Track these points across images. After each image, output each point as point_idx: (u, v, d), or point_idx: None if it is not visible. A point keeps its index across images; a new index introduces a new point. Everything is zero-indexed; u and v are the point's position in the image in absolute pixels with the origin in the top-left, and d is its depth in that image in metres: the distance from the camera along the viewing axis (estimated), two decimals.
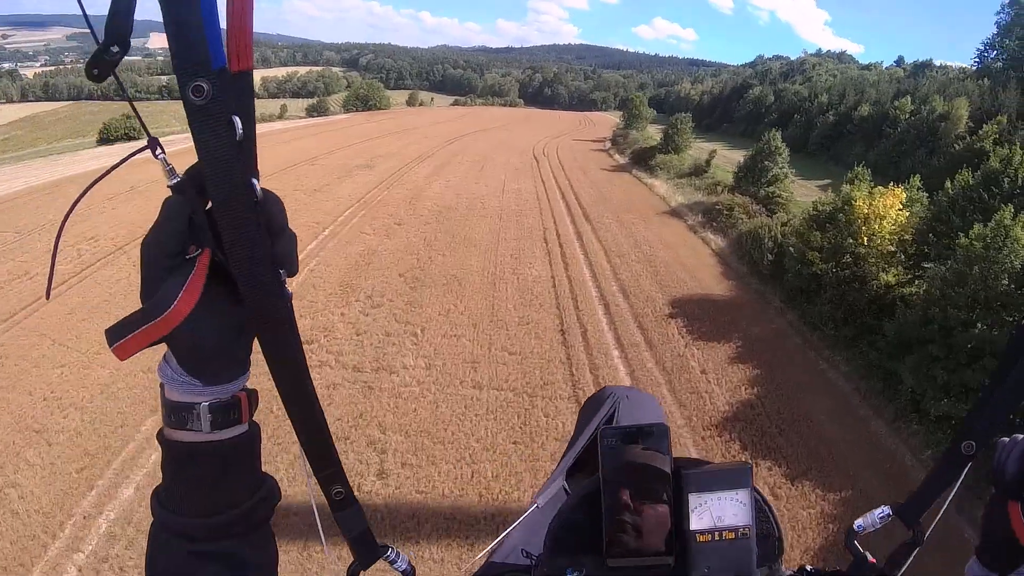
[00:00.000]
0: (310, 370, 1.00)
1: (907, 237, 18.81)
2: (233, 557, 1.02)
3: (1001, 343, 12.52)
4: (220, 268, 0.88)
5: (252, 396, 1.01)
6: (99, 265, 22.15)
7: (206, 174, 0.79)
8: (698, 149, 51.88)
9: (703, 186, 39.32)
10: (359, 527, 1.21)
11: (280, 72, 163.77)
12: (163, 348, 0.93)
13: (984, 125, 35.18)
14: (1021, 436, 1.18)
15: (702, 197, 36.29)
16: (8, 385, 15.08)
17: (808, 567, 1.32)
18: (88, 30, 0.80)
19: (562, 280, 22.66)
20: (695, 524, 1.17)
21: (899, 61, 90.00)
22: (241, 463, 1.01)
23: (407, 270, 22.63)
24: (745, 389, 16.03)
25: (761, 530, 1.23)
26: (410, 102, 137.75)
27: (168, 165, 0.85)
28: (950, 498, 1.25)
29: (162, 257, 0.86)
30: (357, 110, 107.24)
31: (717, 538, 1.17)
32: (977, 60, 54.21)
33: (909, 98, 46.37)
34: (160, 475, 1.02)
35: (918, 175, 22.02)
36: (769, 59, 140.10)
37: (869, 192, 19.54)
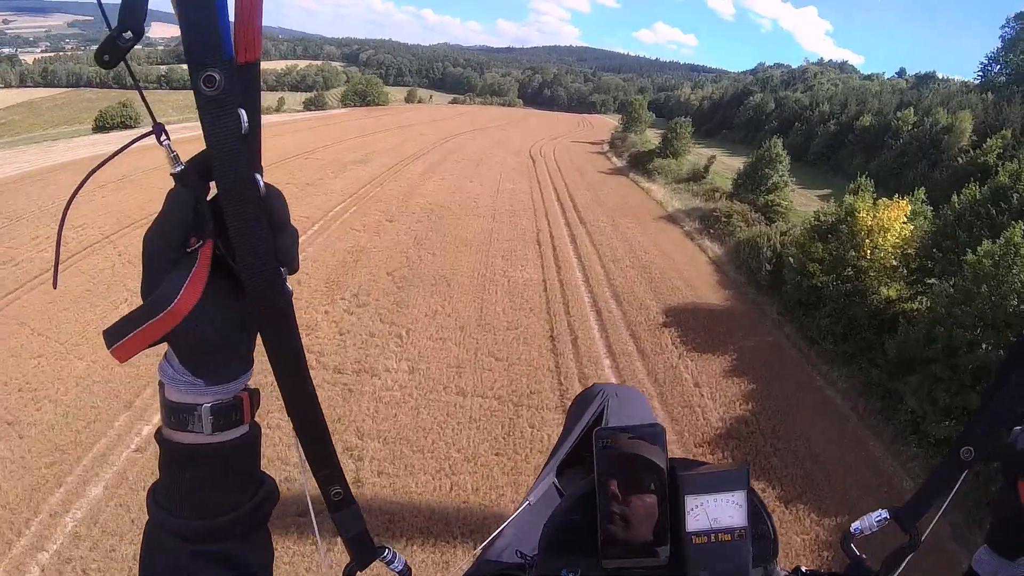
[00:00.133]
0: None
1: (910, 251, 18.25)
2: (234, 558, 1.00)
3: None
4: (220, 261, 0.86)
5: (254, 396, 0.98)
6: (85, 254, 21.47)
7: (214, 165, 0.78)
8: (697, 154, 51.52)
9: (701, 192, 39.03)
10: (357, 528, 1.18)
11: (280, 65, 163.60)
12: (159, 348, 0.90)
13: (988, 139, 34.72)
14: None
15: (700, 203, 35.89)
16: None
17: (803, 568, 1.35)
18: (101, 16, 0.80)
19: (554, 284, 22.03)
20: (691, 526, 1.16)
21: (901, 72, 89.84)
22: (242, 464, 0.99)
23: (395, 268, 21.98)
24: (740, 404, 15.45)
25: (756, 531, 1.21)
26: (409, 99, 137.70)
27: (172, 152, 0.82)
28: (945, 504, 1.26)
29: (166, 249, 0.84)
30: (355, 105, 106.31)
31: (713, 540, 1.15)
32: (980, 74, 53.99)
33: (912, 109, 46.00)
34: (154, 476, 1.00)
35: (922, 188, 21.42)
36: (770, 67, 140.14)
37: (873, 203, 18.97)
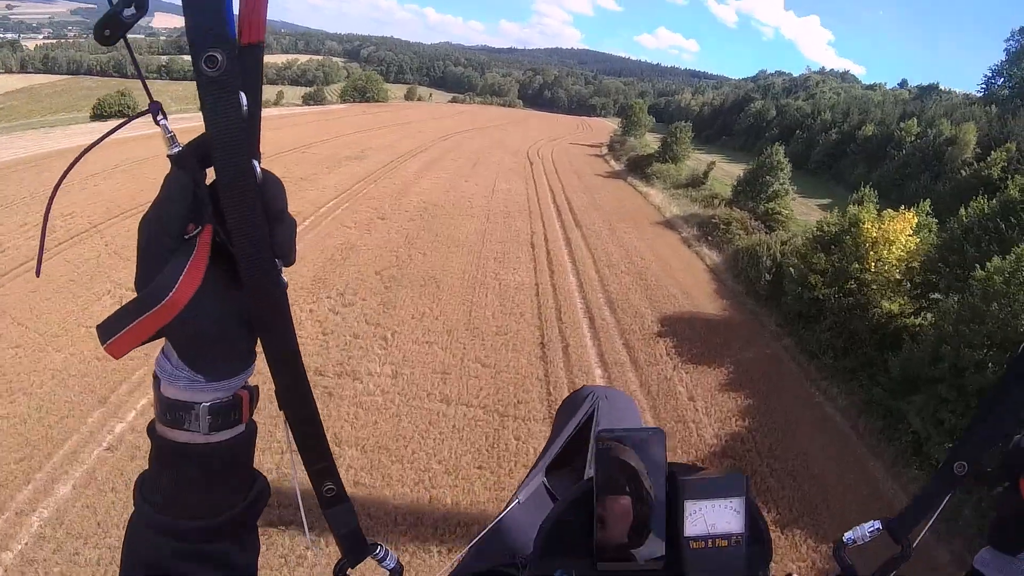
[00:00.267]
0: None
1: (915, 265, 17.67)
2: (222, 557, 0.97)
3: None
4: (219, 248, 0.83)
5: (254, 394, 0.97)
6: (71, 243, 20.86)
7: (212, 149, 0.75)
8: (696, 160, 51.14)
9: (700, 198, 38.53)
10: (349, 524, 1.14)
11: (280, 59, 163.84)
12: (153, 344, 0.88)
13: (993, 152, 34.23)
14: None
15: (698, 209, 35.36)
16: None
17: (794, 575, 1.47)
18: None
19: (546, 288, 21.38)
20: (689, 530, 1.14)
21: (903, 83, 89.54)
22: (237, 464, 0.97)
23: (384, 268, 21.34)
24: (736, 421, 14.84)
25: (751, 537, 1.18)
26: (408, 96, 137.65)
27: (169, 132, 0.79)
28: (935, 515, 1.27)
29: (163, 237, 0.81)
30: (354, 101, 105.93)
31: (711, 545, 1.15)
32: (983, 86, 53.70)
33: (915, 120, 45.60)
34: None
35: (928, 200, 20.84)
36: (771, 74, 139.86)
37: (878, 215, 18.39)
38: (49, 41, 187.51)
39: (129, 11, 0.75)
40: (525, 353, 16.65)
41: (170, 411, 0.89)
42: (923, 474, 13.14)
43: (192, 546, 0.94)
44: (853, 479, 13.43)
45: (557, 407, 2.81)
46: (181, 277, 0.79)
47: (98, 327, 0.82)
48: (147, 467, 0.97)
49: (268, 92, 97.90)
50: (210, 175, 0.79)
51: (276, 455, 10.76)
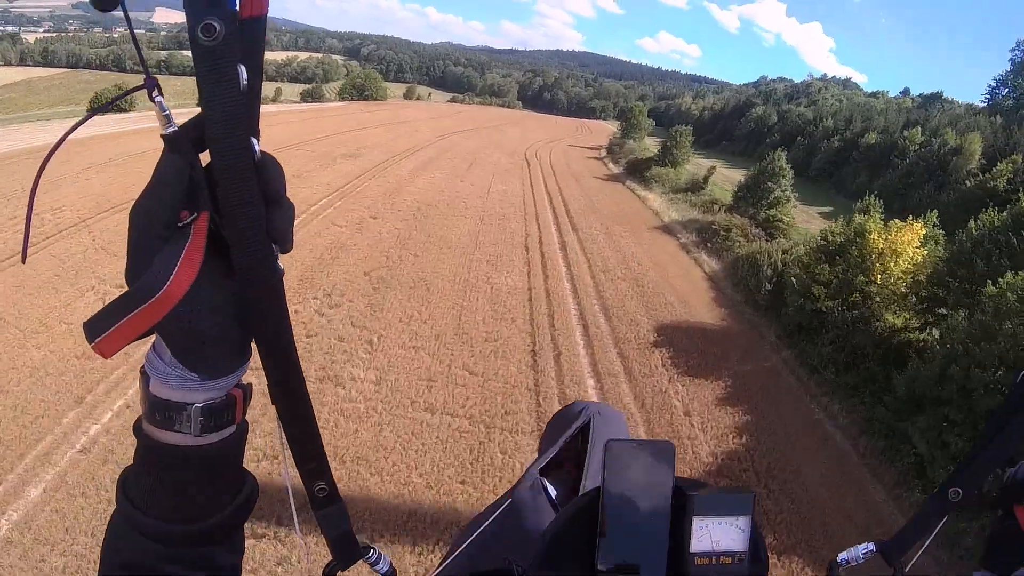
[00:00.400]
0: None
1: (921, 278, 17.07)
2: (210, 560, 0.94)
3: None
4: (213, 235, 0.78)
5: (248, 392, 0.92)
6: (58, 237, 20.21)
7: (207, 124, 0.71)
8: (696, 164, 50.70)
9: (699, 203, 38.01)
10: (341, 526, 1.09)
11: (280, 56, 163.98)
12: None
13: (999, 163, 33.67)
14: None
15: (697, 215, 34.85)
16: None
17: None
18: None
19: (539, 293, 20.75)
20: (695, 546, 1.10)
21: (905, 92, 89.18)
22: (228, 465, 0.93)
23: (374, 268, 20.69)
24: (732, 437, 14.22)
25: (753, 556, 1.15)
26: (407, 95, 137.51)
27: (165, 111, 0.75)
28: (929, 539, 1.27)
29: (156, 225, 0.75)
30: (352, 99, 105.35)
31: (714, 562, 1.11)
32: (987, 96, 53.38)
33: (919, 129, 45.13)
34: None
35: (935, 210, 20.21)
36: (773, 80, 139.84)
37: (884, 225, 17.79)
38: (49, 34, 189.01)
39: None
40: (515, 361, 16.03)
41: (160, 411, 0.82)
42: (925, 498, 12.46)
43: (178, 549, 0.88)
44: (853, 503, 12.88)
45: (547, 421, 2.62)
46: (176, 268, 0.73)
47: (85, 325, 0.76)
48: (131, 463, 0.90)
49: (266, 88, 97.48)
50: (205, 159, 0.74)
51: (259, 450, 10.48)
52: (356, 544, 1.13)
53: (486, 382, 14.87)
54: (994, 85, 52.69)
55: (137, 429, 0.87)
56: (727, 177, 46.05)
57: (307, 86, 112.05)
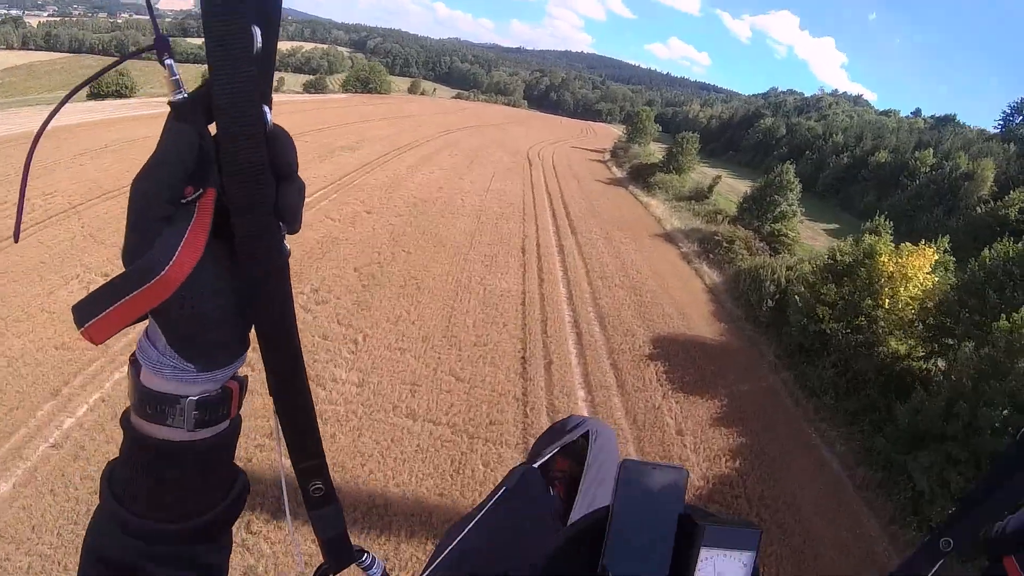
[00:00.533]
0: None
1: (929, 305, 16.48)
2: (196, 559, 0.89)
3: None
4: (219, 214, 0.72)
5: (244, 385, 0.87)
6: (47, 223, 19.55)
7: (214, 89, 0.65)
8: (701, 173, 50.26)
9: (703, 212, 37.67)
10: (336, 528, 1.07)
11: (285, 46, 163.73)
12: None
13: (1012, 192, 33.10)
14: None
15: (700, 224, 34.39)
16: None
17: None
18: None
19: (534, 297, 20.14)
20: None
21: (917, 112, 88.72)
22: (220, 462, 0.87)
23: (364, 265, 20.06)
24: (725, 460, 13.65)
25: None
26: (412, 90, 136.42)
27: (175, 75, 0.68)
28: None
29: (159, 202, 0.68)
30: (356, 92, 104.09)
31: None
32: (1001, 123, 52.87)
33: (931, 151, 44.58)
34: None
35: (947, 236, 19.58)
36: (783, 92, 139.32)
37: (895, 247, 17.18)
38: (53, 18, 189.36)
39: None
40: (504, 368, 15.43)
41: (151, 404, 0.77)
42: (920, 535, 12.08)
43: (164, 548, 0.84)
44: (846, 536, 12.38)
45: (532, 439, 2.69)
46: (179, 249, 0.68)
47: (74, 308, 0.69)
48: (117, 455, 0.85)
49: None
50: (214, 131, 0.68)
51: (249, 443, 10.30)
52: (350, 547, 1.10)
53: (472, 389, 14.28)
54: (1008, 112, 52.27)
55: (124, 421, 0.81)
56: (732, 187, 45.61)
57: (310, 77, 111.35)
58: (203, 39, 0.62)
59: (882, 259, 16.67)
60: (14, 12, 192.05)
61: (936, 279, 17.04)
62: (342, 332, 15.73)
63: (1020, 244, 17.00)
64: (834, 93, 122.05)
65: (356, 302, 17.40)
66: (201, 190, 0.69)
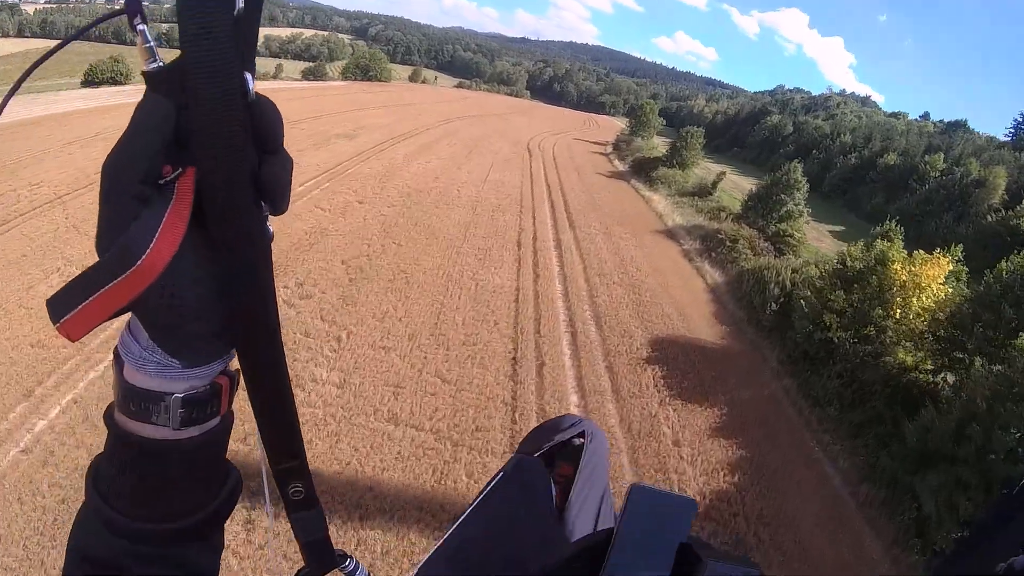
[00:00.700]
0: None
1: (940, 316, 15.72)
2: (185, 559, 0.84)
3: None
4: (200, 196, 0.66)
5: (235, 380, 0.82)
6: (31, 215, 18.92)
7: (187, 49, 0.59)
8: (705, 169, 49.49)
9: (706, 209, 36.96)
10: (317, 532, 1.05)
11: (284, 32, 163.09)
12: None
13: (1023, 201, 32.34)
14: None
15: (703, 221, 33.73)
16: None
17: None
18: None
19: (528, 294, 19.40)
20: None
21: (925, 116, 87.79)
22: (210, 461, 0.83)
23: (353, 257, 19.32)
24: (724, 475, 12.95)
25: None
26: (413, 78, 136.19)
27: (148, 42, 0.62)
28: None
29: (133, 182, 0.62)
30: (356, 79, 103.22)
31: None
32: (1012, 131, 52.11)
33: (941, 155, 43.80)
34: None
35: (960, 245, 18.74)
36: (790, 90, 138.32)
37: (908, 255, 16.41)
38: (49, 5, 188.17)
39: None
40: (493, 370, 14.71)
41: (135, 401, 0.72)
42: (923, 560, 11.59)
43: (149, 548, 0.79)
44: (847, 557, 11.77)
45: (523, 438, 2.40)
46: (157, 235, 0.62)
47: (49, 302, 0.65)
48: (101, 451, 0.81)
49: (267, 65, 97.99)
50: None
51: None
52: (332, 552, 1.06)
53: (459, 392, 13.58)
54: (1020, 120, 51.57)
55: (108, 417, 0.76)
56: (736, 184, 44.90)
57: (310, 64, 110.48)
58: None
59: (894, 267, 15.92)
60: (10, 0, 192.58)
61: (950, 290, 16.29)
62: (325, 329, 15.03)
63: None
64: (842, 93, 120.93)
65: (342, 297, 16.69)
66: (180, 169, 0.62)
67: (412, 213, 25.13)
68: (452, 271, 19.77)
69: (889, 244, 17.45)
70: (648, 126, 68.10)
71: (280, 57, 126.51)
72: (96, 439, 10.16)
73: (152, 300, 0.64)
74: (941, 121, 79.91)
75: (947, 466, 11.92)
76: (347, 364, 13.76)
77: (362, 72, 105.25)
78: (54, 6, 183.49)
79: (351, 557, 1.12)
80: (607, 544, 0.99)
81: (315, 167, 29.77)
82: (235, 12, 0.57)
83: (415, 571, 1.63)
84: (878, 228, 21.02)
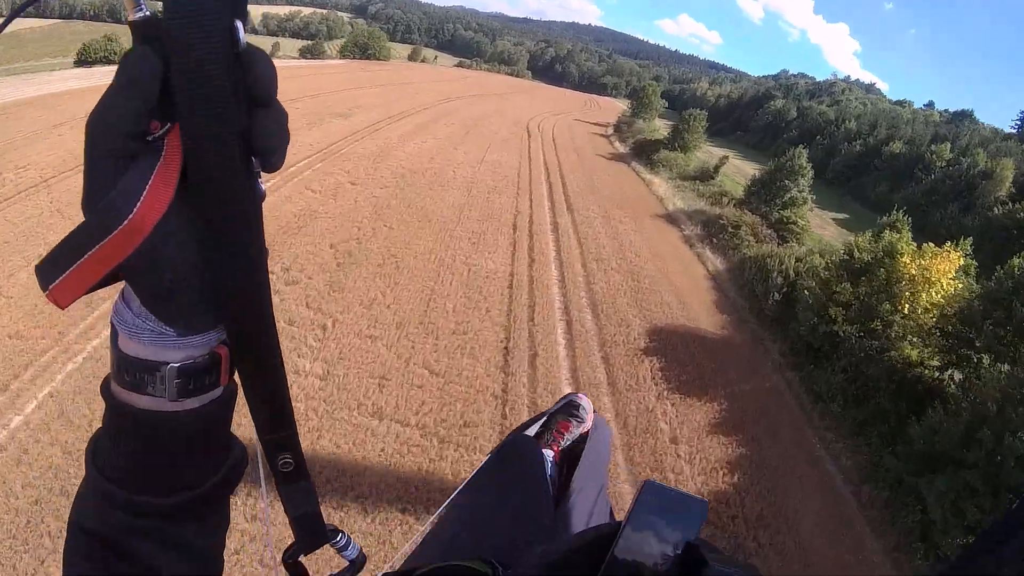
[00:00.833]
0: None
1: (948, 312, 15.13)
2: (184, 537, 0.82)
3: None
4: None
5: None
6: (16, 199, 18.29)
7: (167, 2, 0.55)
8: (707, 152, 48.74)
9: (708, 193, 36.26)
10: (307, 506, 0.99)
11: (283, 10, 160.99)
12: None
13: None
14: None
15: (705, 206, 32.97)
16: None
17: None
18: None
19: (522, 280, 18.77)
20: None
21: (930, 105, 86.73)
22: (210, 435, 0.80)
23: (342, 241, 18.65)
24: (723, 474, 12.42)
25: None
26: (412, 57, 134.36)
27: None
28: None
29: (119, 138, 0.58)
30: (354, 57, 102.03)
31: None
32: (1018, 123, 51.32)
33: (948, 145, 43.07)
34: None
35: (970, 238, 18.06)
36: (794, 75, 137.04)
37: (918, 248, 15.77)
38: None
39: None
40: (483, 360, 14.11)
41: (129, 371, 0.69)
42: (926, 564, 11.18)
43: (147, 523, 0.77)
44: (848, 561, 11.33)
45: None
46: (145, 191, 0.58)
47: (37, 268, 0.63)
48: (100, 426, 0.79)
49: (264, 43, 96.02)
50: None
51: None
52: (323, 527, 1.03)
53: (447, 384, 13.00)
54: None
55: (104, 389, 0.75)
56: (739, 169, 44.23)
57: (308, 42, 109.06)
58: None
59: (903, 259, 15.29)
60: None
61: (960, 285, 15.69)
62: (310, 317, 14.41)
63: None
64: (847, 79, 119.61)
65: (329, 283, 16.05)
66: (168, 125, 0.59)
67: (405, 195, 24.42)
68: (444, 255, 19.14)
69: (897, 235, 16.78)
70: (650, 108, 67.23)
71: (278, 35, 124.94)
72: (71, 435, 9.68)
73: (144, 268, 0.61)
74: (947, 111, 79.06)
75: (954, 470, 11.41)
76: (331, 354, 13.18)
77: (360, 51, 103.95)
78: None
79: (343, 532, 1.06)
80: (611, 539, 0.94)
81: (308, 147, 28.97)
82: None
83: (408, 545, 1.60)
84: (885, 218, 20.39)
